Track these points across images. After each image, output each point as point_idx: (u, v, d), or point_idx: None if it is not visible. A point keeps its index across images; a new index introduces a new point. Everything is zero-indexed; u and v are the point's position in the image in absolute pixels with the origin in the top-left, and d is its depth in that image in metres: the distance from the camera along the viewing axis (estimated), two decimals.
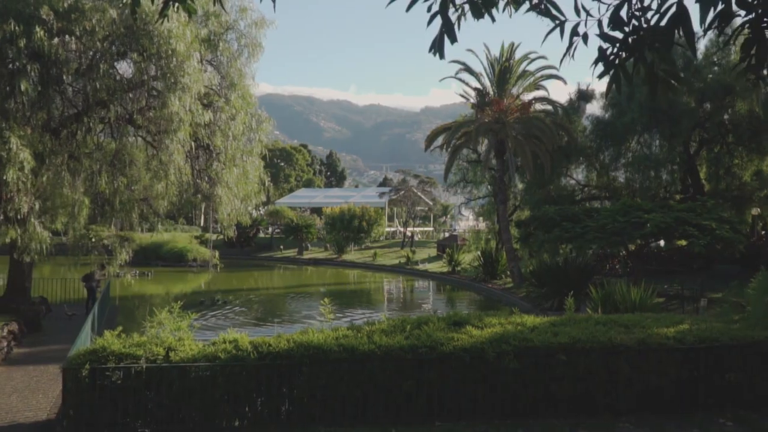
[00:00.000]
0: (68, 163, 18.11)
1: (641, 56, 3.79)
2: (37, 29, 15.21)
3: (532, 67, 37.50)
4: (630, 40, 3.79)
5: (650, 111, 30.95)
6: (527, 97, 37.50)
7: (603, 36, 3.96)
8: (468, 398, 10.76)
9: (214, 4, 4.31)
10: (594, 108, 38.99)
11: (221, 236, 65.89)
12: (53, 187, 17.90)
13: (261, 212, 70.56)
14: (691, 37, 3.60)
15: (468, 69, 37.37)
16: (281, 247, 63.78)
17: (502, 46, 37.13)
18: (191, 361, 10.51)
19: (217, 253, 49.99)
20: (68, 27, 16.05)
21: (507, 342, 10.87)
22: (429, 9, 4.03)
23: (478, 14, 3.99)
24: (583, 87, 38.83)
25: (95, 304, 19.68)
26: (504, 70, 36.67)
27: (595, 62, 4.03)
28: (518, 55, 37.33)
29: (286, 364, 10.55)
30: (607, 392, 10.91)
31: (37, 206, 16.17)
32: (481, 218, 51.00)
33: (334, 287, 44.21)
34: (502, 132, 34.67)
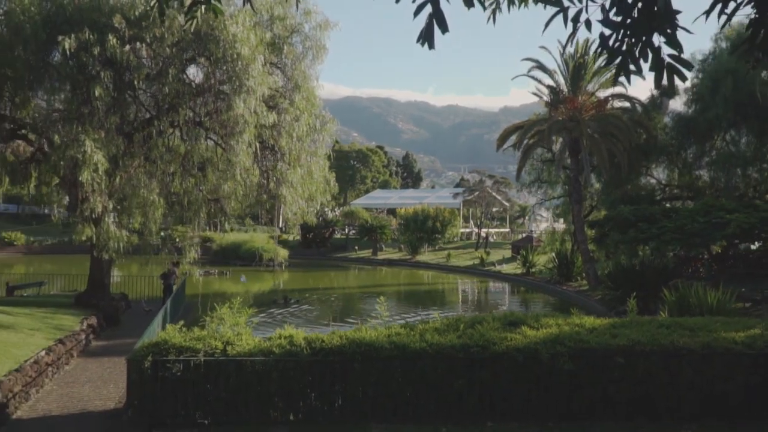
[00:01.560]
0: (145, 165, 18.92)
1: (648, 41, 3.61)
2: (110, 37, 16.00)
3: None
4: (635, 25, 3.61)
5: (737, 106, 29.39)
6: (604, 93, 36.43)
7: (605, 22, 3.80)
8: (521, 399, 10.58)
9: (244, 4, 4.39)
10: (677, 104, 37.48)
11: (298, 237, 67.35)
12: (132, 188, 18.75)
13: (336, 213, 71.55)
14: (669, 15, 3.40)
15: (541, 66, 36.65)
16: (356, 247, 64.43)
17: (577, 42, 36.24)
18: (247, 355, 10.78)
19: (282, 252, 51.03)
20: (139, 34, 16.81)
21: (562, 343, 10.61)
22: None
23: (468, 3, 3.91)
24: (666, 82, 37.28)
25: (168, 300, 20.48)
26: (578, 66, 35.73)
27: (598, 50, 3.86)
28: (594, 50, 36.29)
29: (338, 360, 10.67)
30: (669, 396, 10.47)
31: (110, 206, 16.99)
32: (561, 219, 49.92)
33: (405, 288, 44.34)
34: (576, 130, 33.81)
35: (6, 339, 14.18)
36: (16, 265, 51.53)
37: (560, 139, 36.70)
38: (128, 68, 16.86)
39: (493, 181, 65.96)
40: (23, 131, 19.43)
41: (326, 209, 73.66)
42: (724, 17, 3.64)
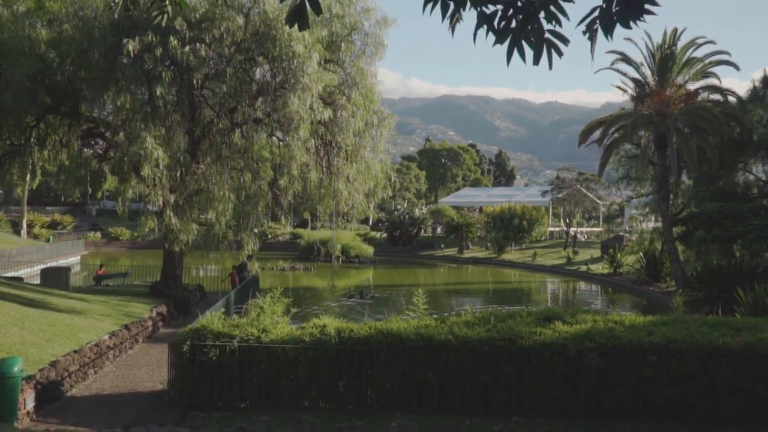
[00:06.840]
0: (215, 163, 19.73)
1: (533, 17, 3.45)
2: (172, 39, 16.80)
3: (699, 53, 34.54)
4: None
5: None
6: (693, 86, 34.58)
7: None
8: (548, 395, 10.36)
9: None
10: None
11: (384, 233, 67.98)
12: (205, 183, 19.61)
13: (424, 211, 71.67)
14: None
15: (626, 59, 35.24)
16: (442, 245, 64.28)
17: (665, 33, 34.59)
18: (279, 342, 11.13)
19: (367, 249, 51.76)
20: (199, 35, 17.55)
21: (591, 339, 10.31)
22: None
23: None
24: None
25: (233, 291, 21.26)
26: (666, 57, 34.08)
27: (476, 30, 3.69)
28: (684, 41, 34.55)
29: (365, 350, 10.82)
30: (706, 399, 9.94)
31: (172, 199, 17.80)
32: (651, 217, 47.86)
33: (486, 286, 43.92)
34: (662, 125, 32.30)
35: (75, 323, 15.25)
36: (121, 258, 54.90)
37: (648, 134, 35.23)
38: (189, 68, 17.65)
39: (583, 178, 63.95)
40: (99, 129, 20.77)
41: (414, 207, 73.97)
42: None
